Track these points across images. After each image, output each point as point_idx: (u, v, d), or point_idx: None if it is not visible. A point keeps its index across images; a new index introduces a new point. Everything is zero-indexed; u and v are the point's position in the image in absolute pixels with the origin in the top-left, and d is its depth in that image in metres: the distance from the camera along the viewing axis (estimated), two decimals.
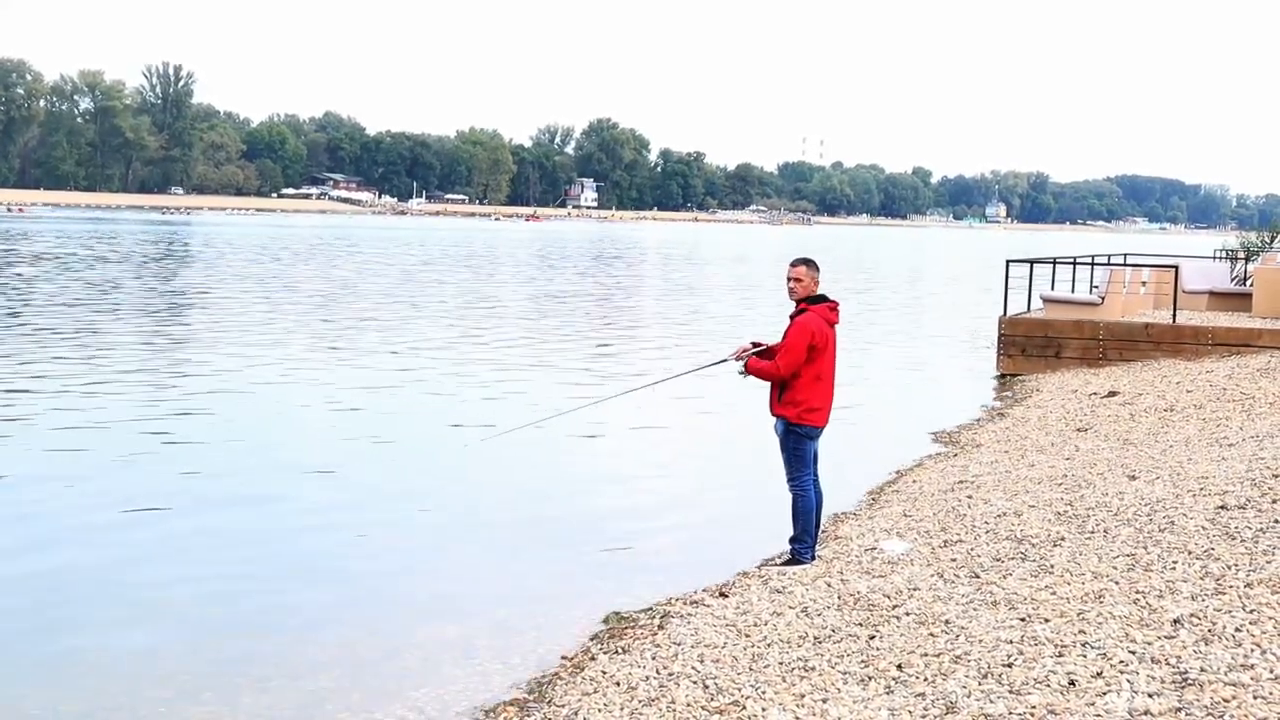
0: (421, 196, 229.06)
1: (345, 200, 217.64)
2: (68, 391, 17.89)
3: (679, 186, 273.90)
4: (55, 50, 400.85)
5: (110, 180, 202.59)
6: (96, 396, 17.54)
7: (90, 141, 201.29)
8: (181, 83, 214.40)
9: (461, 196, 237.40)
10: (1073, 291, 25.34)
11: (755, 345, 9.44)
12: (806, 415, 9.25)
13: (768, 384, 9.40)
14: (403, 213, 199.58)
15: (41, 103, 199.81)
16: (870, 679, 6.44)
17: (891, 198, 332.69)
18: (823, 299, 9.31)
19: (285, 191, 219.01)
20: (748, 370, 9.37)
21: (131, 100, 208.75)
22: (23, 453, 13.95)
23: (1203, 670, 5.78)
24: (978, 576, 8.16)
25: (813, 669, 6.73)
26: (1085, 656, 6.18)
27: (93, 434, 14.98)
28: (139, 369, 20.49)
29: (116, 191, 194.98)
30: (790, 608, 8.05)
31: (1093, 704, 5.59)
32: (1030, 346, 21.58)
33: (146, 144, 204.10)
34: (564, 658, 8.03)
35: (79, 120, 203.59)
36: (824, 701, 6.24)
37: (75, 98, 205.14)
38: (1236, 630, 6.25)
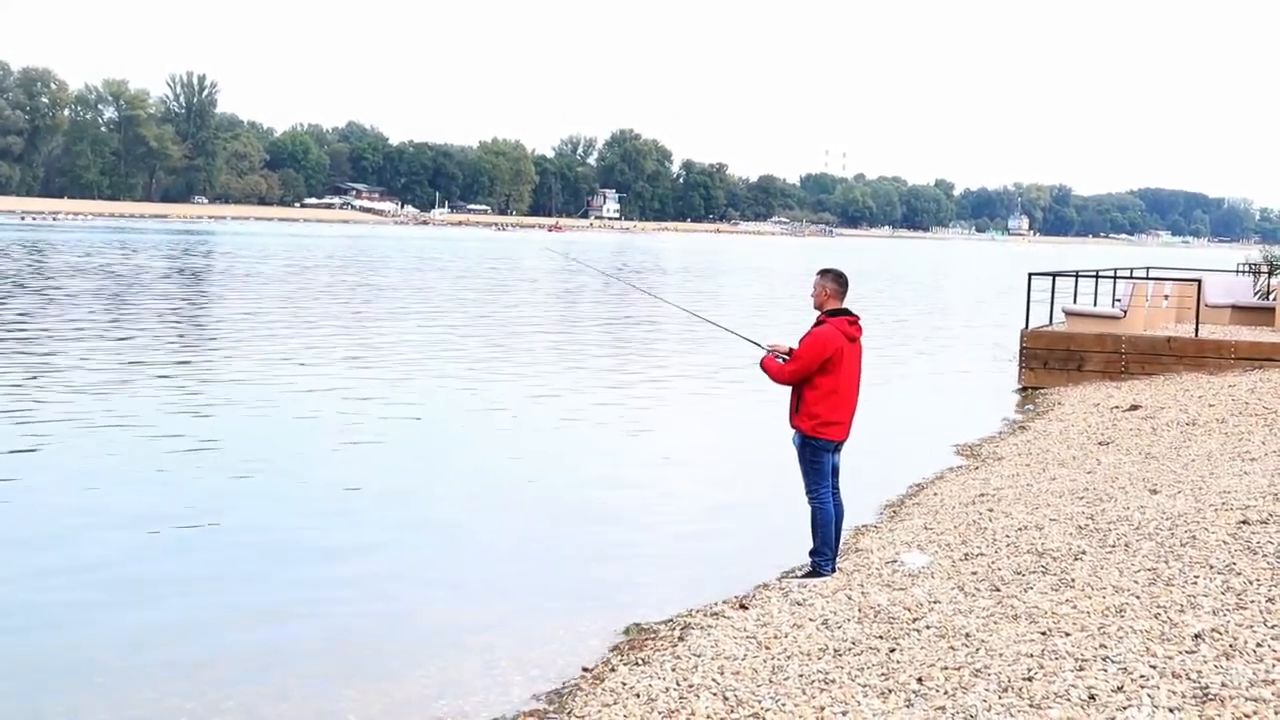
0: (444, 207, 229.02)
1: (368, 210, 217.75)
2: (114, 403, 18.02)
3: (701, 198, 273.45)
4: (80, 59, 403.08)
5: (134, 189, 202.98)
6: (130, 411, 17.64)
7: (114, 150, 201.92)
8: (205, 92, 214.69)
9: (484, 207, 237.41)
10: (1095, 305, 25.29)
11: (790, 351, 9.44)
12: (822, 429, 9.27)
13: (788, 395, 9.45)
14: (425, 223, 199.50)
15: (66, 112, 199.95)
16: (890, 692, 6.45)
17: (914, 210, 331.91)
18: (844, 312, 9.34)
19: (308, 201, 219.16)
20: (762, 363, 9.46)
21: (155, 109, 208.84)
22: (54, 468, 14.03)
23: (1224, 685, 5.77)
24: (998, 590, 8.16)
25: (833, 681, 6.75)
26: (1106, 671, 6.18)
27: (125, 448, 15.09)
28: (173, 379, 20.61)
29: (140, 200, 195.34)
30: (810, 620, 8.06)
31: (1113, 718, 5.60)
32: (1052, 359, 21.54)
33: (170, 153, 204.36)
34: (584, 669, 8.05)
35: (103, 129, 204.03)
36: (844, 714, 6.25)
37: (99, 107, 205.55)
38: (1258, 645, 6.24)
